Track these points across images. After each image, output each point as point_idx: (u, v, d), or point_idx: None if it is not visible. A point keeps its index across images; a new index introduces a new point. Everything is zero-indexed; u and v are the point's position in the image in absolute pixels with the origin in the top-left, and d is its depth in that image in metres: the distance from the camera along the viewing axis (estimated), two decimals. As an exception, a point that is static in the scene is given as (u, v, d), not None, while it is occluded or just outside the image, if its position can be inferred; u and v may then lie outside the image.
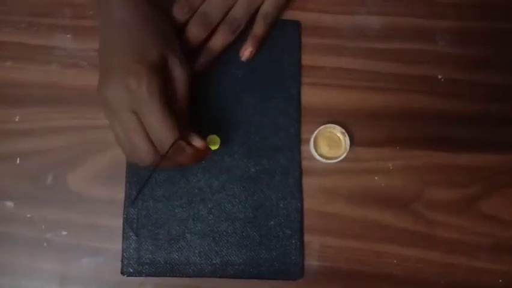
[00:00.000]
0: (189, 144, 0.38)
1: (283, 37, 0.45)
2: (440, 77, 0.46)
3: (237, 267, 0.43)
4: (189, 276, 0.42)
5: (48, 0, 0.46)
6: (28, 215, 0.43)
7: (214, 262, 0.43)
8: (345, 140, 0.43)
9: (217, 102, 0.44)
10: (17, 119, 0.44)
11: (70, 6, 0.46)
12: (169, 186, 0.43)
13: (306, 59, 0.46)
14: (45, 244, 0.43)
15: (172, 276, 0.42)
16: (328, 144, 0.43)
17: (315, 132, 0.43)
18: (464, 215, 0.44)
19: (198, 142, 0.38)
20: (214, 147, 0.43)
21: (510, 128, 0.46)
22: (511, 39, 0.47)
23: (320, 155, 0.43)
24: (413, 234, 0.44)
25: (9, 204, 0.43)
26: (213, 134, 0.44)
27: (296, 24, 0.46)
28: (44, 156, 0.44)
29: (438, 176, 0.45)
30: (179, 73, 0.38)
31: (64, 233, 0.43)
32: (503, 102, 0.46)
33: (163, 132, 0.35)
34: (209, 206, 0.42)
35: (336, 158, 0.43)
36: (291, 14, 0.46)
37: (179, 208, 0.43)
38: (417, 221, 0.44)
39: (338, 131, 0.43)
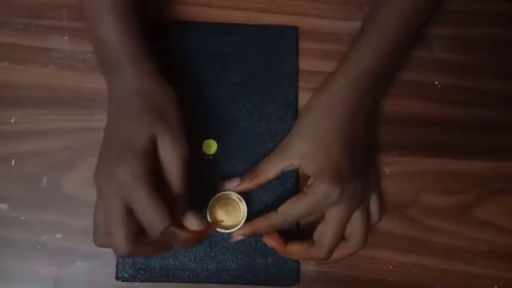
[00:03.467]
0: (184, 228, 0.37)
1: (281, 42, 0.45)
2: (436, 83, 0.46)
3: (232, 272, 0.42)
4: (184, 282, 0.42)
5: (46, 1, 0.45)
6: (22, 218, 0.43)
7: (210, 268, 0.42)
8: (242, 206, 0.41)
9: (215, 106, 0.44)
10: (12, 121, 0.44)
11: (67, 8, 0.45)
12: (165, 190, 0.43)
13: (304, 64, 0.46)
14: (39, 247, 0.42)
15: (167, 282, 0.42)
16: (225, 212, 0.41)
17: (210, 202, 0.41)
18: (460, 221, 0.44)
19: (194, 225, 0.37)
20: (210, 152, 0.43)
21: (506, 135, 0.46)
22: (507, 46, 0.47)
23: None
24: (409, 240, 0.44)
25: (3, 206, 0.43)
26: (209, 138, 0.44)
27: (294, 30, 0.46)
28: (40, 158, 0.43)
29: (434, 182, 0.45)
30: (172, 152, 0.37)
31: (59, 236, 0.43)
32: (499, 109, 0.46)
33: (151, 219, 0.35)
34: (204, 210, 0.41)
35: (235, 225, 0.40)
36: (289, 19, 0.46)
37: (175, 212, 0.43)
38: (413, 226, 0.44)
39: (234, 197, 0.41)
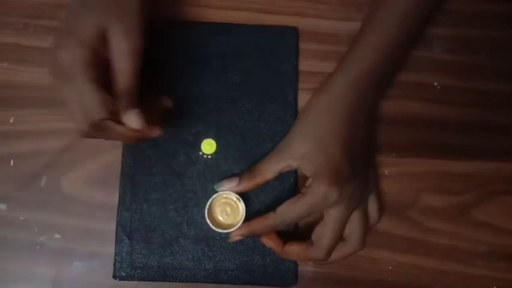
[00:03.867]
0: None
1: (281, 43, 0.45)
2: (436, 84, 0.46)
3: (230, 272, 0.42)
4: (182, 281, 0.42)
5: (45, 2, 0.46)
6: (21, 218, 0.43)
7: (207, 267, 0.42)
8: (241, 206, 0.41)
9: (214, 106, 0.44)
10: (11, 121, 0.44)
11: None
12: (163, 189, 0.43)
13: (303, 65, 0.46)
14: (38, 247, 0.42)
15: (165, 281, 0.42)
16: (224, 212, 0.41)
17: (209, 202, 0.41)
18: (459, 222, 0.44)
19: (132, 122, 0.34)
20: (210, 151, 0.43)
21: (505, 136, 0.46)
22: (506, 46, 0.47)
23: (217, 225, 0.41)
24: (408, 241, 0.44)
25: (2, 206, 0.43)
26: (209, 138, 0.44)
27: (294, 31, 0.46)
28: (38, 158, 0.43)
29: (433, 183, 0.45)
30: (122, 44, 0.35)
31: (57, 236, 0.43)
32: (498, 110, 0.46)
33: (87, 106, 0.34)
34: (203, 210, 0.41)
35: (234, 225, 0.40)
36: (288, 20, 0.46)
37: (174, 212, 0.43)
38: (412, 227, 0.44)
39: (233, 197, 0.41)
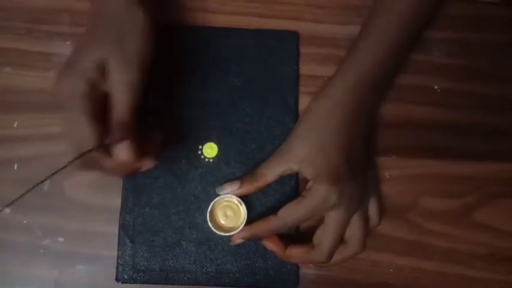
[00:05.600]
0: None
1: (281, 47, 0.46)
2: (436, 87, 0.46)
3: (232, 275, 0.43)
4: (184, 284, 0.42)
5: (48, 6, 0.46)
6: (24, 221, 0.43)
7: (209, 270, 0.43)
8: (242, 209, 0.41)
9: (215, 110, 0.45)
10: (15, 125, 0.44)
11: (69, 13, 0.46)
12: (165, 193, 0.43)
13: (303, 69, 0.46)
14: (41, 251, 0.43)
15: (167, 284, 0.42)
16: (225, 215, 0.41)
17: (211, 205, 0.41)
18: (459, 224, 0.44)
19: (122, 154, 0.35)
20: (211, 155, 0.44)
21: (505, 138, 0.46)
22: (506, 50, 0.47)
23: (219, 228, 0.41)
24: (408, 243, 0.44)
25: (6, 210, 0.43)
26: (210, 141, 0.44)
27: (294, 35, 0.46)
28: (42, 162, 0.44)
29: (433, 186, 0.45)
30: (119, 76, 0.35)
31: (61, 239, 0.43)
32: (498, 113, 0.46)
33: (80, 137, 0.34)
34: (205, 213, 0.42)
35: (235, 228, 0.41)
36: (287, 24, 0.46)
37: (176, 215, 0.43)
38: (412, 230, 0.44)
39: (234, 200, 0.41)
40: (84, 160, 0.34)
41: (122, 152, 0.35)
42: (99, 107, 0.35)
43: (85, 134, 0.34)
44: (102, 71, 0.35)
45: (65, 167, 0.34)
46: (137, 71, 0.36)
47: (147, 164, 0.38)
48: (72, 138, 0.35)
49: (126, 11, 0.37)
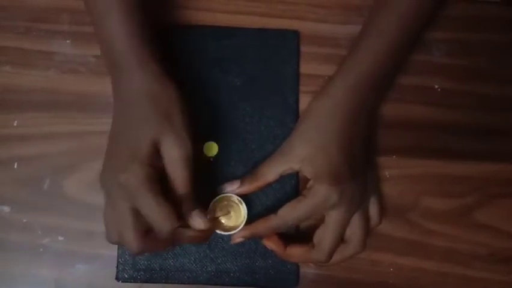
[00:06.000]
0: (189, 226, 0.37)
1: (282, 46, 0.46)
2: (436, 87, 0.46)
3: (232, 274, 0.43)
4: (184, 283, 0.42)
5: (48, 5, 0.46)
6: (24, 220, 0.43)
7: (210, 269, 0.43)
8: (243, 208, 0.41)
9: (216, 109, 0.45)
10: (15, 124, 0.44)
11: (69, 12, 0.46)
12: (165, 192, 0.43)
13: (304, 68, 0.46)
14: (41, 250, 0.43)
15: (167, 283, 0.42)
16: (225, 214, 0.41)
17: (211, 204, 0.41)
18: (460, 224, 0.44)
19: (200, 225, 0.37)
20: (211, 154, 0.44)
21: (505, 139, 0.46)
22: (506, 50, 0.47)
23: (218, 227, 0.41)
24: (408, 243, 0.44)
25: (6, 209, 0.43)
26: (210, 141, 0.44)
27: (295, 34, 0.46)
28: (42, 161, 0.44)
29: (434, 186, 0.45)
30: (174, 153, 0.37)
31: (60, 238, 0.43)
32: (498, 113, 0.46)
33: (158, 222, 0.35)
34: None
35: (236, 228, 0.41)
36: (288, 24, 0.46)
37: (176, 215, 0.43)
38: (412, 230, 0.44)
39: (234, 199, 0.41)
40: (172, 237, 0.36)
41: (198, 222, 0.37)
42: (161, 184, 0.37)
43: (162, 215, 0.35)
44: (157, 150, 0.37)
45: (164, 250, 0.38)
46: (189, 144, 0.38)
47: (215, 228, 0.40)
48: (154, 221, 0.35)
49: (158, 87, 0.38)
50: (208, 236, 0.40)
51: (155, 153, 0.37)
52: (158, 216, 0.35)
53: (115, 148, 0.38)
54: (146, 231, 0.36)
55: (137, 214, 0.36)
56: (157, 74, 0.39)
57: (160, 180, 0.37)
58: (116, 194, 0.36)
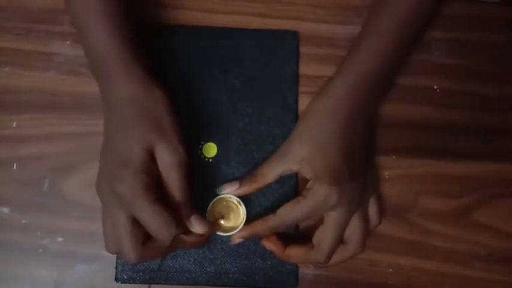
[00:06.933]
0: (190, 232, 0.37)
1: (281, 47, 0.46)
2: (435, 87, 0.46)
3: (231, 275, 0.43)
4: (183, 284, 0.42)
5: (48, 6, 0.46)
6: (24, 221, 0.43)
7: (209, 270, 0.43)
8: (242, 209, 0.41)
9: (215, 110, 0.45)
10: (14, 125, 0.44)
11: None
12: (165, 193, 0.43)
13: (303, 68, 0.46)
14: (40, 250, 0.43)
15: (167, 284, 0.42)
16: (225, 215, 0.41)
17: (210, 204, 0.41)
18: (459, 224, 0.44)
19: (199, 229, 0.37)
20: (211, 155, 0.44)
21: (504, 139, 0.46)
22: (506, 50, 0.47)
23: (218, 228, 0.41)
24: (407, 243, 0.44)
25: (5, 210, 0.43)
26: (209, 141, 0.44)
27: (294, 35, 0.46)
28: (41, 162, 0.44)
29: (433, 186, 0.45)
30: (168, 159, 0.37)
31: (60, 239, 0.43)
32: (498, 113, 0.46)
33: (157, 232, 0.35)
34: (204, 213, 0.42)
35: (235, 228, 0.41)
36: (287, 24, 0.46)
37: (175, 215, 0.43)
38: (412, 230, 0.44)
39: (233, 200, 0.41)
40: (172, 243, 0.36)
41: (198, 226, 0.37)
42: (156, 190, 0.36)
43: (161, 223, 0.35)
44: (152, 157, 0.37)
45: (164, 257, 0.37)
46: (182, 150, 0.38)
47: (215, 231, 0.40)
48: (153, 230, 0.36)
49: (143, 91, 0.38)
50: (207, 240, 0.40)
51: (149, 161, 0.37)
52: (157, 226, 0.35)
53: (108, 156, 0.38)
54: (144, 239, 0.36)
55: (134, 223, 0.36)
56: (142, 79, 0.38)
57: (156, 187, 0.36)
58: (112, 203, 0.36)
